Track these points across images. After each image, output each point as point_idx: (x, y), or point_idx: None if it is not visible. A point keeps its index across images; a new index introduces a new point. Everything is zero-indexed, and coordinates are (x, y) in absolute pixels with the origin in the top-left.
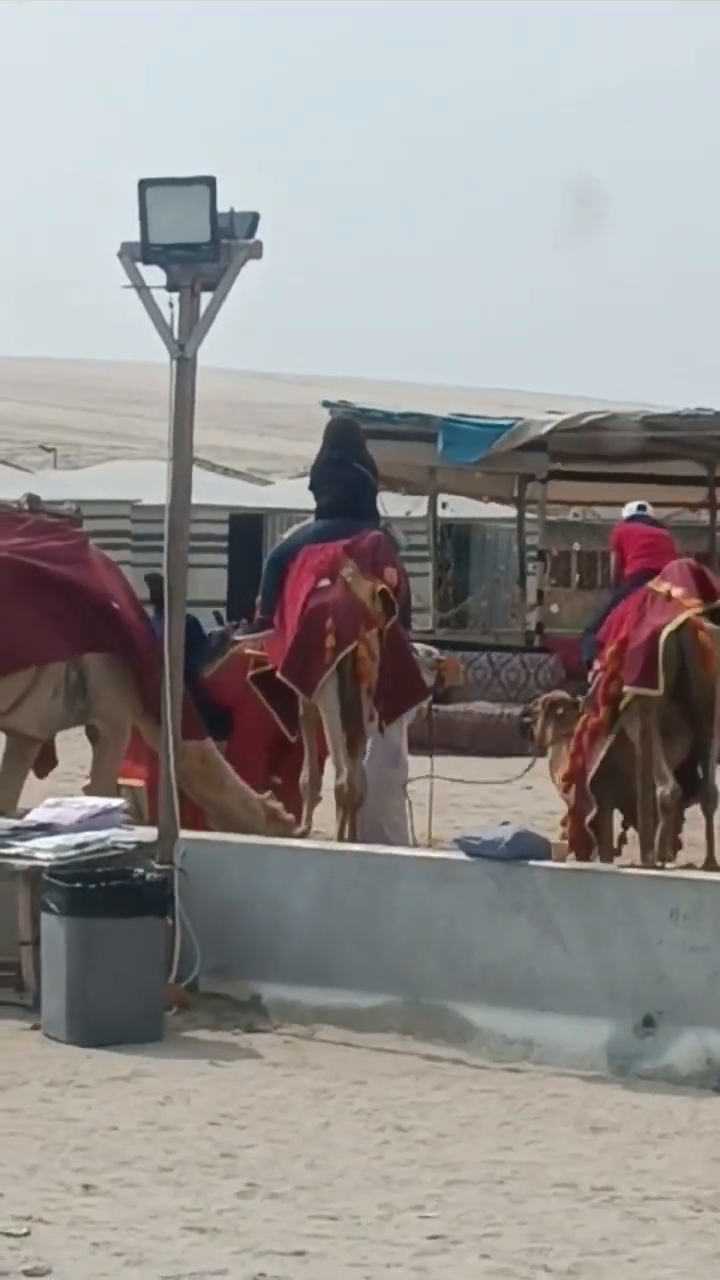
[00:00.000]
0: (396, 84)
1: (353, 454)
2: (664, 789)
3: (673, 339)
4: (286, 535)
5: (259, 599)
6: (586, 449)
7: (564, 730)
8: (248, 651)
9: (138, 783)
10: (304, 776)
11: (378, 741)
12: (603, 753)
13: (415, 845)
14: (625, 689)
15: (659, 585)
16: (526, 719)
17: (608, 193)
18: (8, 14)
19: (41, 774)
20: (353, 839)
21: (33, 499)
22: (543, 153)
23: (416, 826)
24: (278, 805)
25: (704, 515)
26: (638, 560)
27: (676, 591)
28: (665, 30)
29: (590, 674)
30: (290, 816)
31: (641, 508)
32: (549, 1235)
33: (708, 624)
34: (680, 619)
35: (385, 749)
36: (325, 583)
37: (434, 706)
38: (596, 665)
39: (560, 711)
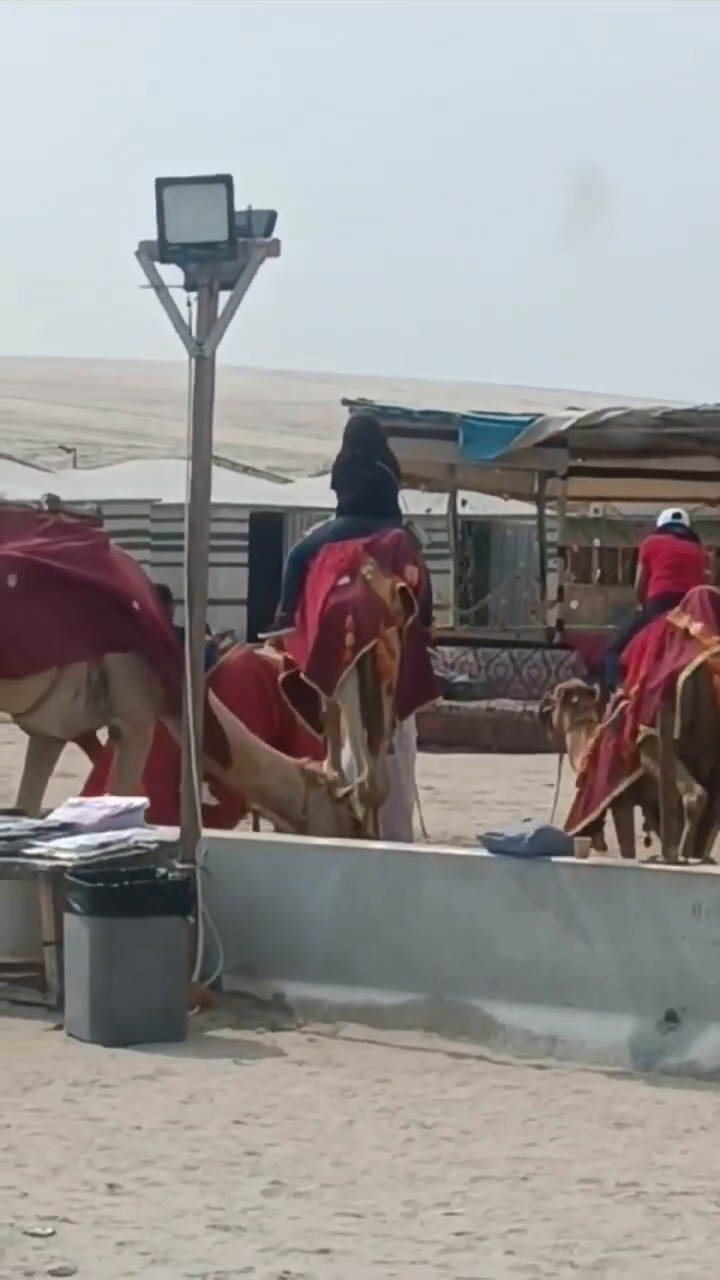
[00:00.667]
0: (406, 79)
1: (374, 452)
2: (690, 796)
3: (690, 335)
4: (308, 533)
5: (281, 596)
6: (606, 445)
7: (581, 718)
8: (260, 652)
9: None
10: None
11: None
12: (624, 786)
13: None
14: (642, 728)
15: (679, 619)
16: (545, 708)
17: (617, 191)
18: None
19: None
20: (375, 836)
21: (53, 499)
22: (557, 153)
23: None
24: (315, 767)
25: None
26: (662, 581)
27: (695, 627)
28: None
29: (612, 697)
30: (333, 774)
31: (677, 515)
32: (574, 1231)
33: (715, 659)
34: (697, 662)
35: (394, 734)
36: (345, 580)
37: (453, 705)
38: (619, 690)
39: (576, 700)
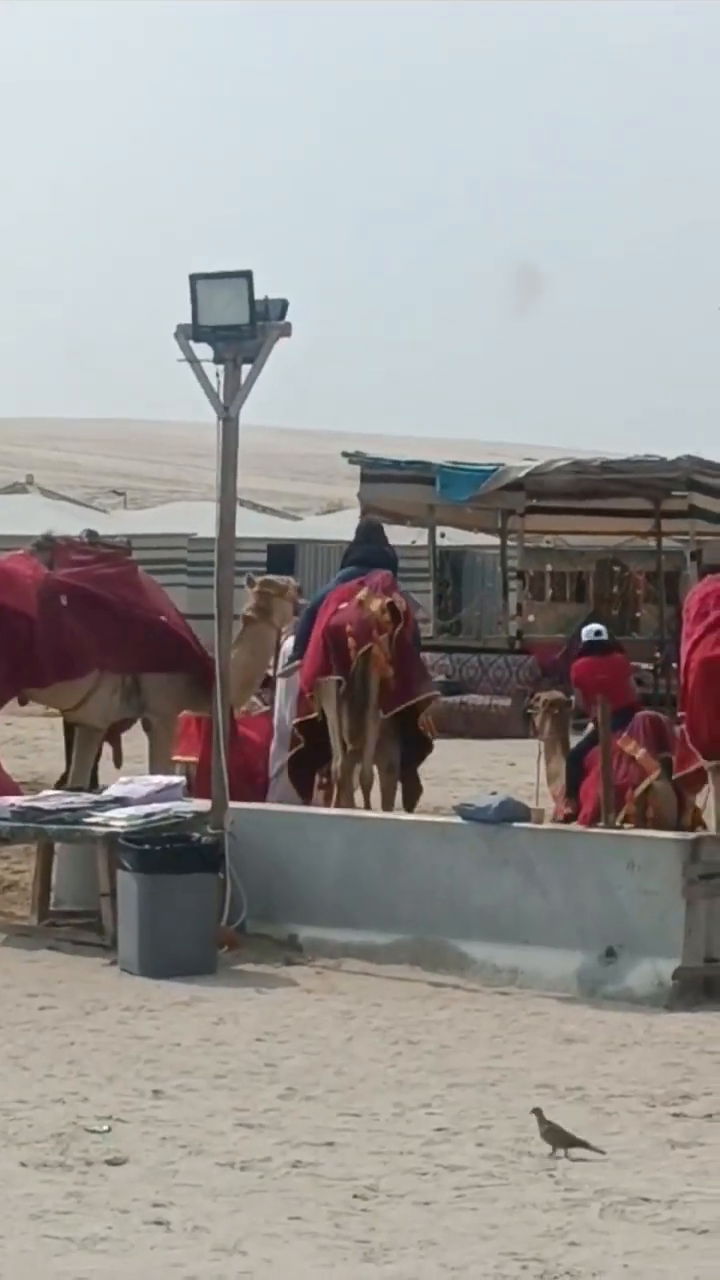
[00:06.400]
0: (382, 168)
1: (373, 540)
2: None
3: (624, 399)
4: (317, 593)
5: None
6: (556, 488)
7: (558, 728)
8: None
9: (193, 759)
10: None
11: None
12: None
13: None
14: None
15: (627, 744)
16: (529, 712)
17: (561, 285)
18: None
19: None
20: (368, 808)
21: (91, 534)
22: (507, 249)
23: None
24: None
25: (651, 541)
26: (593, 707)
27: (640, 754)
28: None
29: (580, 789)
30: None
31: (598, 633)
32: (532, 1127)
33: (657, 784)
34: (643, 786)
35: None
36: (345, 605)
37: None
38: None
39: (556, 711)
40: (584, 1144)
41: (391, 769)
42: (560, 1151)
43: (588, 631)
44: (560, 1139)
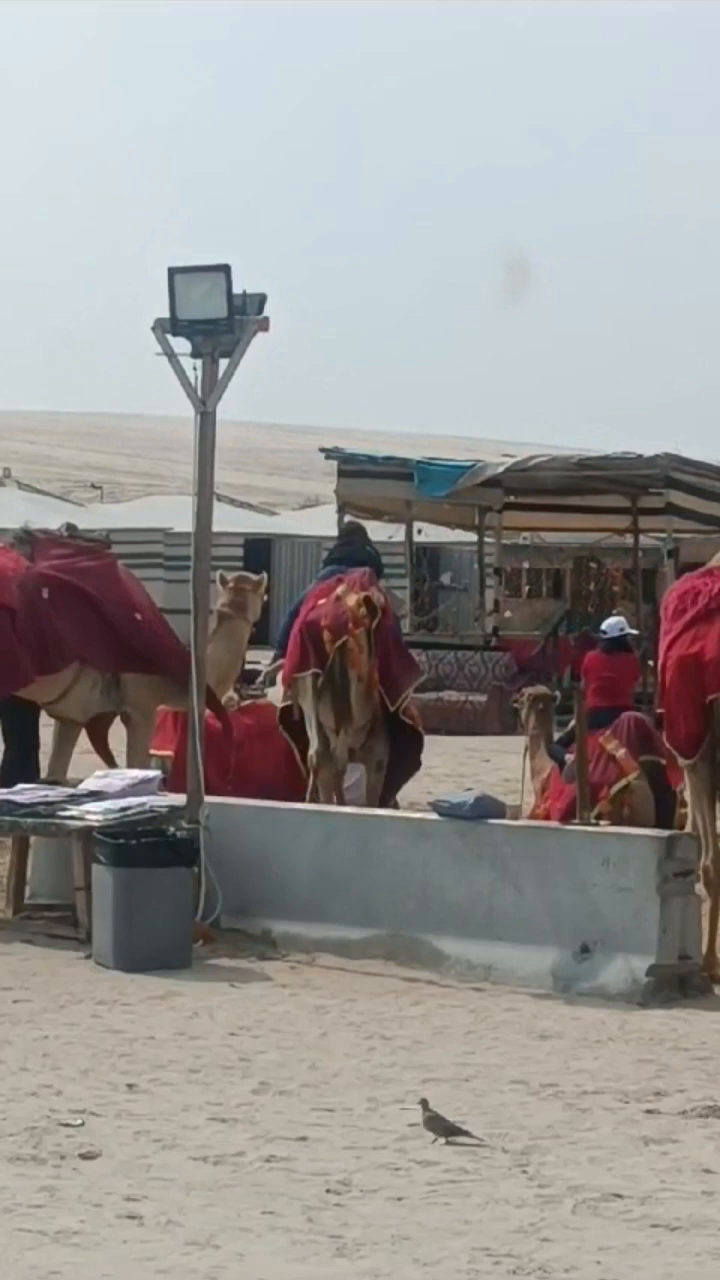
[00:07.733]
0: (359, 164)
1: (355, 542)
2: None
3: (601, 394)
4: (302, 594)
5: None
6: (533, 485)
7: (544, 721)
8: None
9: (168, 752)
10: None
11: None
12: None
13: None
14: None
15: (609, 742)
16: (515, 707)
17: (538, 278)
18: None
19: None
20: (341, 802)
21: (71, 527)
22: (491, 243)
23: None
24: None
25: (629, 538)
26: (596, 697)
27: (620, 753)
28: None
29: (560, 771)
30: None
31: (622, 630)
32: (505, 1123)
33: (635, 783)
34: (620, 785)
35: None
36: (322, 602)
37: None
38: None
39: (541, 706)
40: (466, 1133)
41: (380, 767)
42: (441, 1140)
43: (611, 625)
44: (441, 1128)
